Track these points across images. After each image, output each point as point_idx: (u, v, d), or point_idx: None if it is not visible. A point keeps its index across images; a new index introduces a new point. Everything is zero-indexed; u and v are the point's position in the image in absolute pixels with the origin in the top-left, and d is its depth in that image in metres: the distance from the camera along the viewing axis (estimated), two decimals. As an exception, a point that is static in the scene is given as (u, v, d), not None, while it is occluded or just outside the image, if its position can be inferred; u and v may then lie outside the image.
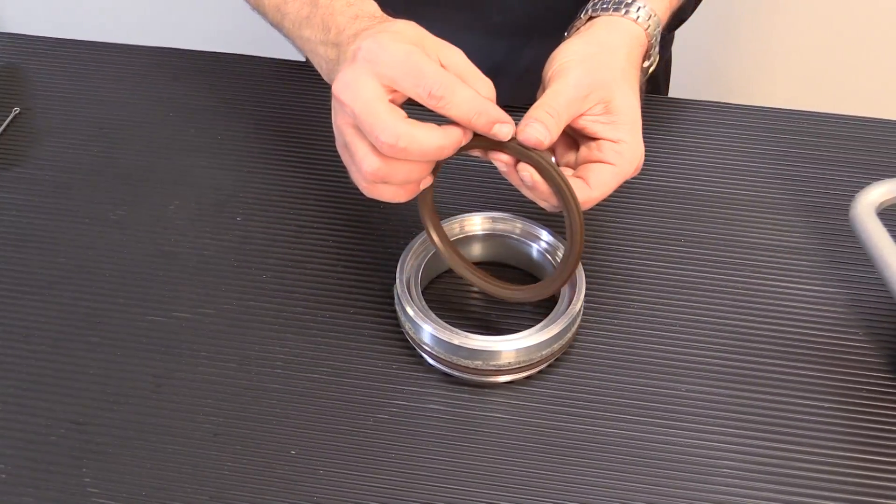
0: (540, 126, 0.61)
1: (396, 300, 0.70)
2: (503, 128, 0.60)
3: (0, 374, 0.71)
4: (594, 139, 0.65)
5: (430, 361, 0.69)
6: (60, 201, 0.82)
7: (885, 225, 0.67)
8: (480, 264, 0.74)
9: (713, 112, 0.88)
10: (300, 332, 0.72)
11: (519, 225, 0.73)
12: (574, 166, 0.66)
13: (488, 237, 0.74)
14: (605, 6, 0.69)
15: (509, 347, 0.66)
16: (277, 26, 0.72)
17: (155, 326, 0.73)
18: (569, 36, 0.71)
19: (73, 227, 0.80)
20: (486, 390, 0.69)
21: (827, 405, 0.68)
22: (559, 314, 0.68)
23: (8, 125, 0.88)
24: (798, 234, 0.78)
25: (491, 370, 0.67)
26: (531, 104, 0.83)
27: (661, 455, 0.66)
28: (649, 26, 0.68)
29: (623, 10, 0.68)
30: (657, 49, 0.70)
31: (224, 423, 0.68)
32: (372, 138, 0.58)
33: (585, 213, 0.63)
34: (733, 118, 0.88)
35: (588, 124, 0.65)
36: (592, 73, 0.64)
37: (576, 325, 0.69)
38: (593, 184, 0.64)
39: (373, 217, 0.79)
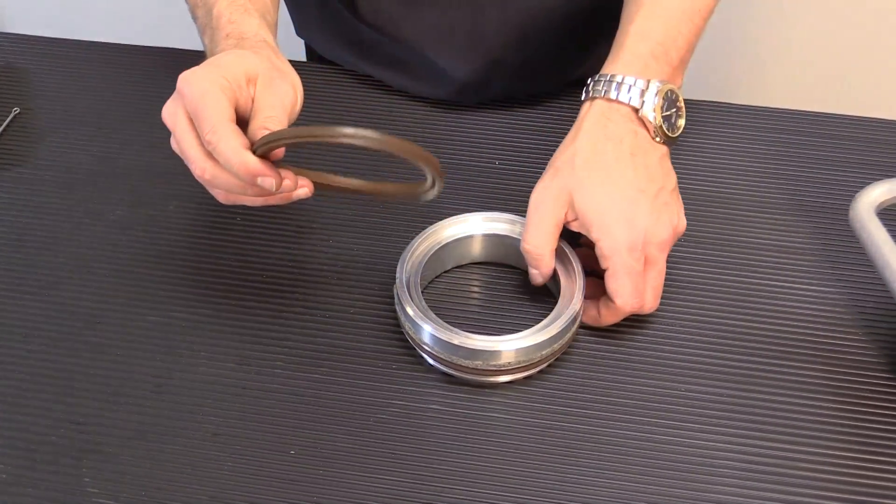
0: (533, 271, 0.70)
1: (396, 300, 0.70)
2: (265, 181, 0.61)
3: (0, 374, 0.71)
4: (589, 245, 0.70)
5: (431, 361, 0.69)
6: (60, 201, 0.82)
7: (885, 225, 0.67)
8: (480, 265, 0.74)
9: (713, 112, 0.88)
10: (300, 332, 0.72)
11: (518, 225, 0.73)
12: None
13: (487, 238, 0.74)
14: (588, 91, 0.72)
15: (509, 347, 0.66)
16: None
17: (155, 326, 0.73)
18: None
19: (73, 227, 0.80)
20: (487, 390, 0.69)
21: (827, 405, 0.68)
22: (559, 314, 0.68)
23: (8, 125, 0.88)
24: (798, 234, 0.78)
25: (491, 370, 0.67)
26: (531, 96, 0.84)
27: (660, 455, 0.66)
28: (620, 93, 0.69)
29: (602, 92, 0.70)
30: (652, 99, 0.69)
31: (224, 423, 0.68)
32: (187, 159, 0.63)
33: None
34: (733, 118, 0.88)
35: (578, 230, 0.69)
36: (552, 182, 0.68)
37: (576, 325, 0.69)
38: (613, 296, 0.68)
39: (373, 217, 0.79)
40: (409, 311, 0.68)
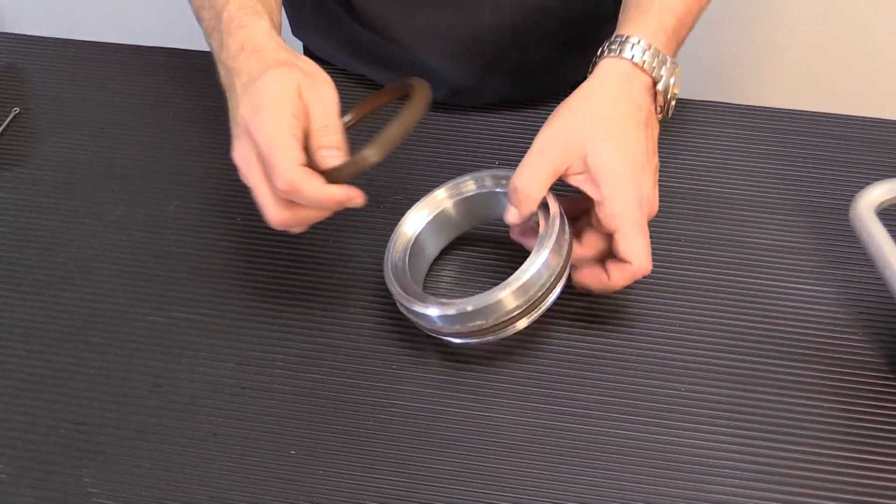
0: (513, 211, 0.68)
1: (398, 301, 0.69)
2: (355, 201, 0.63)
3: (0, 375, 0.71)
4: (589, 205, 0.68)
5: (456, 341, 0.68)
6: (60, 201, 0.82)
7: (885, 225, 0.67)
8: (462, 248, 0.76)
9: (713, 112, 0.88)
10: (300, 332, 0.73)
11: (482, 181, 0.73)
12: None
13: (459, 203, 0.74)
14: (602, 51, 0.71)
15: (507, 292, 0.65)
16: (200, 27, 0.74)
17: (155, 326, 0.73)
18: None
19: (73, 227, 0.80)
20: (487, 391, 0.69)
21: (827, 405, 0.68)
22: (543, 241, 0.66)
23: (8, 125, 0.88)
24: (798, 234, 0.78)
25: (503, 322, 0.66)
26: (526, 99, 0.84)
27: (660, 455, 0.66)
28: (634, 56, 0.69)
29: (616, 52, 0.70)
30: (666, 71, 0.70)
31: (224, 423, 0.68)
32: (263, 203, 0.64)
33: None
34: (733, 118, 0.88)
35: (578, 184, 0.67)
36: (564, 129, 0.67)
37: (564, 247, 0.67)
38: (628, 258, 0.66)
39: (373, 218, 0.79)
40: (416, 308, 0.67)
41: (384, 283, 0.75)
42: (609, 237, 0.67)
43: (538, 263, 0.65)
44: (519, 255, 0.69)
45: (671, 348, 0.71)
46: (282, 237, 0.78)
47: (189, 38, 0.89)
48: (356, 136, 0.67)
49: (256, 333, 0.73)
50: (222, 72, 0.68)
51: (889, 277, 0.65)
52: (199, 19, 0.73)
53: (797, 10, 1.48)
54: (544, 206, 0.68)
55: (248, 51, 0.66)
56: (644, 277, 0.74)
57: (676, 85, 0.71)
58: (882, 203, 0.69)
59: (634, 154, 0.67)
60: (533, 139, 0.86)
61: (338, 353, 0.71)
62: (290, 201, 0.63)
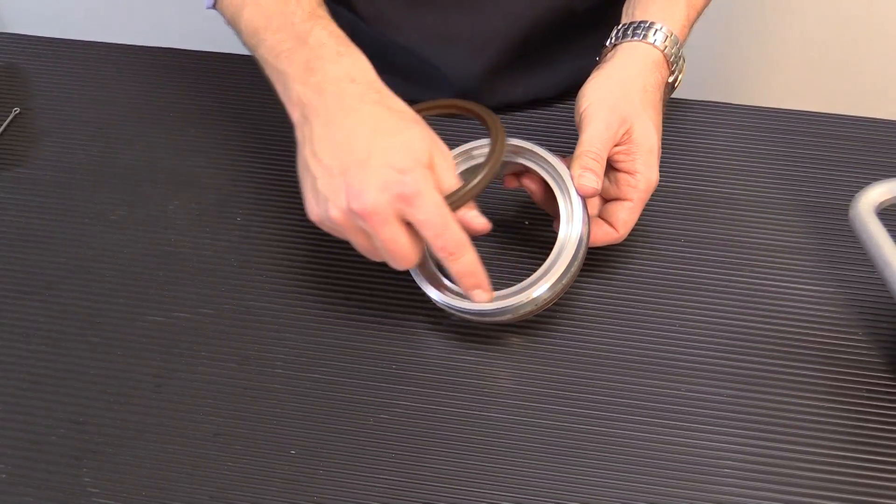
0: (591, 175, 0.68)
1: (432, 296, 0.70)
2: (480, 294, 0.67)
3: (0, 374, 0.71)
4: (613, 169, 0.71)
5: (496, 317, 0.69)
6: (60, 201, 0.82)
7: (885, 225, 0.67)
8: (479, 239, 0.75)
9: (713, 112, 0.88)
10: (300, 332, 0.73)
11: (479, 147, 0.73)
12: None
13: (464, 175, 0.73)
14: (626, 33, 0.74)
15: (539, 291, 0.67)
16: (250, 49, 0.72)
17: (155, 326, 0.73)
18: (599, 62, 0.76)
19: (73, 227, 0.80)
20: (487, 391, 0.69)
21: (827, 405, 0.68)
22: (564, 242, 0.68)
23: (8, 125, 0.88)
24: (798, 234, 0.78)
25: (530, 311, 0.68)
26: (530, 102, 0.83)
27: (661, 455, 0.66)
28: (666, 47, 0.73)
29: (641, 36, 0.73)
30: (681, 63, 0.75)
31: (224, 423, 0.68)
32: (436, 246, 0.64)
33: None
34: (733, 118, 0.88)
35: (612, 153, 0.70)
36: (617, 110, 0.70)
37: (584, 244, 0.69)
38: (619, 225, 0.71)
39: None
40: (433, 296, 0.69)
41: (384, 284, 0.75)
42: (602, 200, 0.72)
43: (568, 257, 0.67)
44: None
45: (672, 348, 0.71)
46: (281, 237, 0.78)
47: (189, 39, 0.90)
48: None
49: (256, 333, 0.73)
50: (307, 97, 0.66)
51: (889, 277, 0.65)
52: (258, 40, 0.70)
53: (797, 10, 1.48)
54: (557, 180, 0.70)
55: (362, 85, 0.66)
56: (644, 277, 0.75)
57: (682, 74, 0.76)
58: (882, 203, 0.69)
59: (659, 137, 0.71)
60: (536, 139, 0.86)
61: (338, 353, 0.71)
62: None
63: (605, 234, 0.71)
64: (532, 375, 0.70)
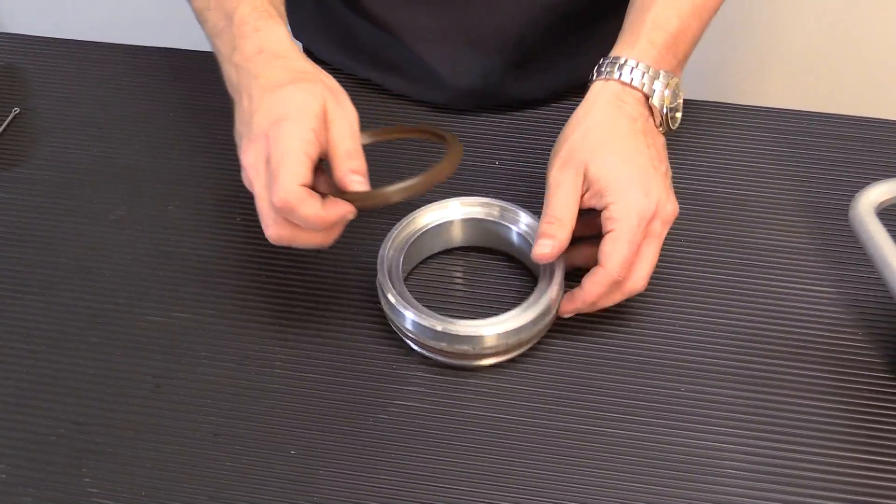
0: (545, 241, 0.67)
1: (378, 289, 0.70)
2: (347, 217, 0.64)
3: (0, 374, 0.71)
4: (595, 211, 0.68)
5: (414, 347, 0.70)
6: (60, 201, 0.82)
7: (885, 225, 0.67)
8: (462, 250, 0.76)
9: (713, 112, 0.88)
10: (300, 332, 0.73)
11: (497, 208, 0.74)
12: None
13: (467, 222, 0.75)
14: (597, 71, 0.72)
15: (491, 332, 0.67)
16: (201, 27, 0.74)
17: (155, 326, 0.73)
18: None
19: (73, 227, 0.80)
20: (487, 391, 0.69)
21: (827, 405, 0.68)
22: (539, 296, 0.69)
23: (8, 125, 0.88)
24: (798, 234, 0.78)
25: (474, 355, 0.68)
26: (527, 103, 0.82)
27: (661, 455, 0.66)
28: (634, 78, 0.70)
29: (605, 74, 0.71)
30: (662, 88, 0.71)
31: (224, 423, 0.68)
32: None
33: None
34: (733, 118, 0.88)
35: (590, 204, 0.68)
36: (570, 163, 0.68)
37: (553, 311, 0.69)
38: (603, 258, 0.67)
39: (373, 218, 0.79)
40: (391, 298, 0.68)
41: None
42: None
43: (530, 315, 0.68)
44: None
45: (671, 348, 0.71)
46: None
47: (189, 38, 0.89)
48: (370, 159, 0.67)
49: (256, 333, 0.73)
50: (231, 72, 0.68)
51: (889, 277, 0.65)
52: (203, 20, 0.73)
53: (797, 11, 1.48)
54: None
55: (267, 54, 0.66)
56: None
57: (677, 97, 0.72)
58: (882, 203, 0.69)
59: (637, 160, 0.68)
60: (533, 139, 0.87)
61: (338, 352, 0.71)
62: (286, 219, 0.63)
63: (591, 277, 0.67)
64: (531, 375, 0.70)
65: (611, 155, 0.68)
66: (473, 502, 0.64)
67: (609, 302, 0.69)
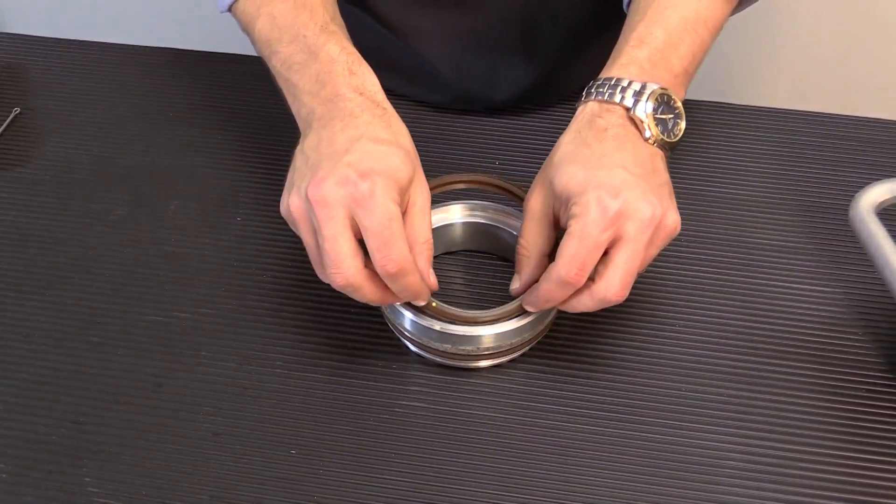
0: (515, 277, 0.69)
1: None
2: (418, 302, 0.66)
3: (0, 374, 0.71)
4: None
5: (412, 348, 0.70)
6: (60, 201, 0.82)
7: (885, 225, 0.67)
8: (463, 252, 0.77)
9: (713, 112, 0.88)
10: (300, 332, 0.73)
11: (498, 212, 0.74)
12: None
13: (468, 225, 0.75)
14: (586, 94, 0.69)
15: (489, 332, 0.67)
16: (264, 59, 0.72)
17: (155, 326, 0.73)
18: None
19: (73, 227, 0.80)
20: (488, 390, 0.69)
21: (827, 405, 0.68)
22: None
23: (8, 125, 0.88)
24: (798, 234, 0.78)
25: (472, 356, 0.69)
26: (530, 103, 0.82)
27: (661, 455, 0.66)
28: (610, 93, 0.67)
29: (584, 96, 0.69)
30: (645, 101, 0.67)
31: (224, 423, 0.68)
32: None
33: None
34: (733, 118, 0.88)
35: (564, 218, 0.65)
36: (541, 184, 0.67)
37: (553, 311, 0.69)
38: (556, 257, 0.63)
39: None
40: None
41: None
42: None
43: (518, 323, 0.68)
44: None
45: (672, 348, 0.71)
46: (281, 237, 0.78)
47: (189, 38, 0.89)
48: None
49: (256, 333, 0.73)
50: (317, 107, 0.66)
51: (889, 277, 0.65)
52: (272, 51, 0.70)
53: (797, 11, 1.48)
54: None
55: (367, 98, 0.66)
56: (645, 277, 0.74)
57: (669, 107, 0.68)
58: (882, 203, 0.69)
59: (600, 162, 0.64)
60: (533, 141, 0.87)
61: (338, 353, 0.71)
62: (374, 273, 0.62)
63: (546, 277, 0.64)
64: (533, 375, 0.70)
65: (573, 165, 0.65)
66: (474, 502, 0.64)
67: (581, 307, 0.65)
